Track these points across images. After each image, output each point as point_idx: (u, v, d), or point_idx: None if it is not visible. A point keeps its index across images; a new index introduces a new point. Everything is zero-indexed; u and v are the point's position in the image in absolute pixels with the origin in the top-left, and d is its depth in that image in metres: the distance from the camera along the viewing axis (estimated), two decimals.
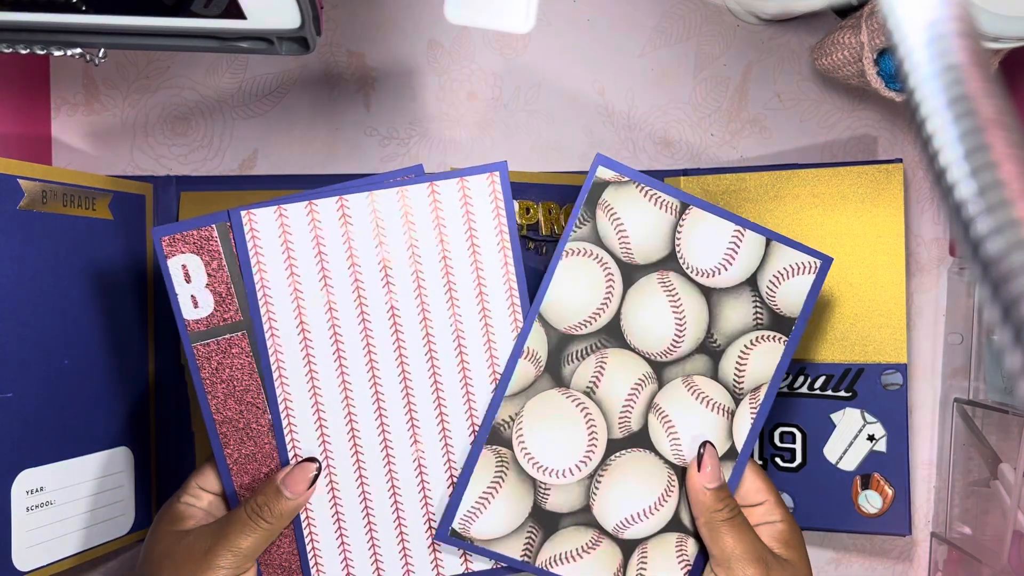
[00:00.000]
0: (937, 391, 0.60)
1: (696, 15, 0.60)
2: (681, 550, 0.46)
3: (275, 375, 0.44)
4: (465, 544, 0.45)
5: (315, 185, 0.57)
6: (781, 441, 0.56)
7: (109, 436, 0.52)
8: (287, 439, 0.44)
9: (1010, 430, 0.55)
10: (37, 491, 0.46)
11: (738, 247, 0.46)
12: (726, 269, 0.46)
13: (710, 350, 0.46)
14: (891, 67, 0.47)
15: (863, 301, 0.55)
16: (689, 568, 0.46)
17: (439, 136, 0.59)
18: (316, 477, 0.44)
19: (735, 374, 0.46)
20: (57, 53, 0.37)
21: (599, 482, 0.46)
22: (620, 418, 0.45)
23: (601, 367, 0.45)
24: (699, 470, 0.44)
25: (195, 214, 0.56)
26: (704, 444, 0.45)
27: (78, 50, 0.37)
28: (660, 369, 0.46)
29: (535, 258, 0.54)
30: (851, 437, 0.55)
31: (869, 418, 0.54)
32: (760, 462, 0.56)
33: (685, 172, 0.59)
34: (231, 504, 0.45)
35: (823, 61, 0.53)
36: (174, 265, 0.43)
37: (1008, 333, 0.15)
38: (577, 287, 0.45)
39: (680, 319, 0.45)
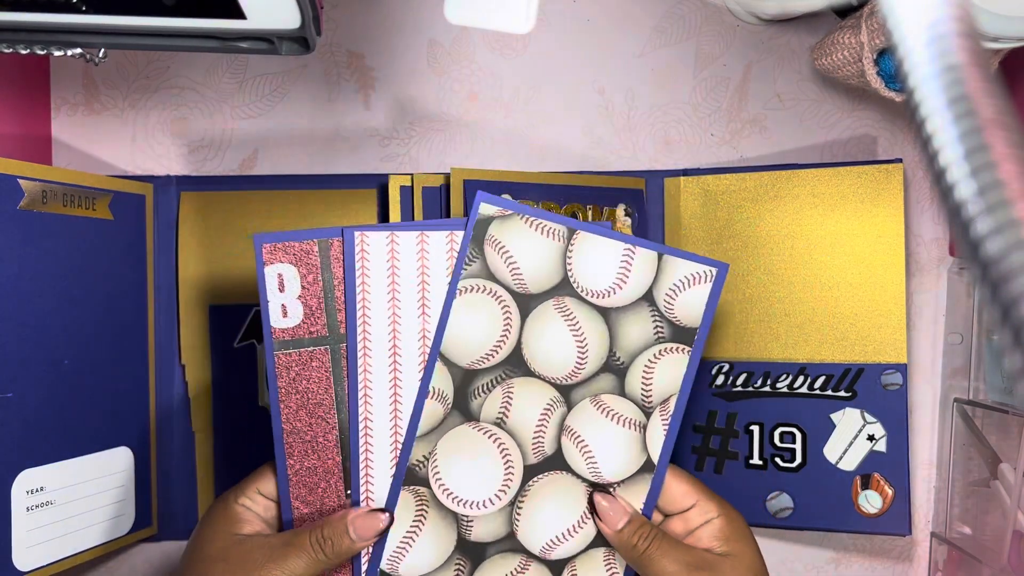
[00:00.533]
0: (937, 391, 0.60)
1: (696, 15, 0.60)
2: (609, 563, 0.46)
3: (360, 395, 0.44)
4: None
5: (315, 184, 0.57)
6: (781, 441, 0.56)
7: (109, 436, 0.52)
8: (361, 458, 0.44)
9: (1010, 430, 0.55)
10: (37, 491, 0.46)
11: (630, 265, 0.45)
12: (621, 288, 0.45)
13: (615, 368, 0.46)
14: (891, 67, 0.47)
15: (863, 301, 0.55)
16: None
17: (439, 136, 0.59)
18: (386, 530, 0.43)
19: (642, 389, 0.46)
20: (57, 53, 0.37)
21: (520, 508, 0.46)
22: (533, 444, 0.45)
23: (508, 397, 0.45)
24: (601, 519, 0.44)
25: (195, 214, 0.56)
26: (591, 494, 0.45)
27: (78, 50, 0.37)
28: (567, 392, 0.46)
29: None
30: (851, 437, 0.55)
31: (869, 418, 0.54)
32: (760, 462, 0.56)
33: (685, 172, 0.59)
34: (283, 512, 0.44)
35: (823, 61, 0.53)
36: (270, 273, 0.43)
37: (1008, 333, 0.15)
38: (475, 323, 0.45)
39: (581, 342, 0.45)
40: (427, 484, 0.45)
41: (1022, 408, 0.53)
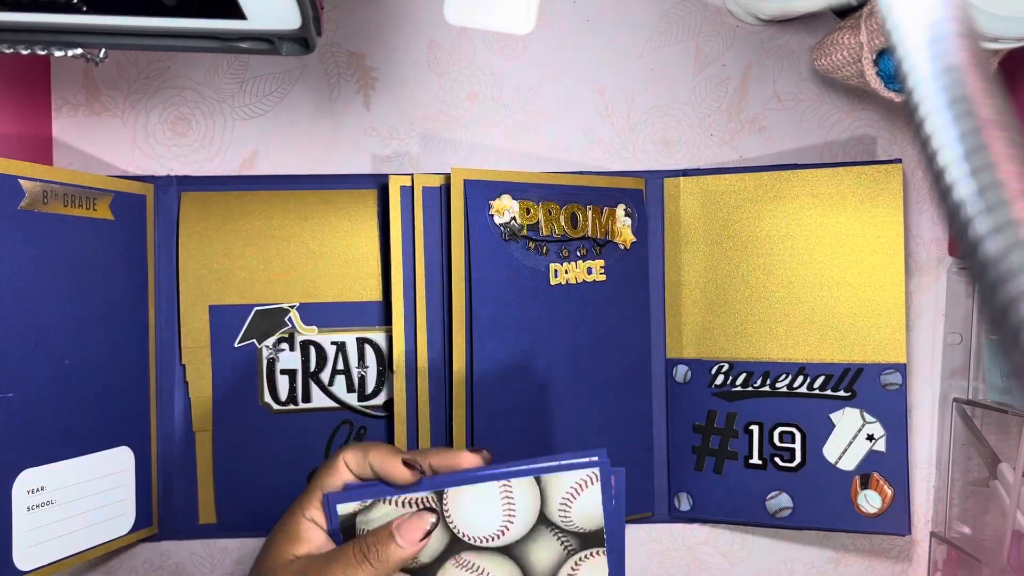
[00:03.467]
0: (936, 391, 0.60)
1: (696, 15, 0.60)
2: None
3: None
4: None
5: (315, 185, 0.57)
6: (780, 441, 0.56)
7: (109, 436, 0.52)
8: None
9: (1009, 430, 0.55)
10: (38, 491, 0.46)
11: (512, 499, 0.43)
12: (512, 524, 0.43)
13: None
14: (890, 67, 0.47)
15: (862, 301, 0.55)
16: None
17: (439, 136, 0.59)
18: (431, 530, 0.42)
19: None
20: (58, 53, 0.37)
21: None
22: None
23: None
24: None
25: (196, 215, 0.56)
26: None
27: (79, 50, 0.37)
28: None
29: (535, 258, 0.54)
30: (850, 437, 0.55)
31: (868, 418, 0.54)
32: (759, 462, 0.56)
33: (685, 172, 0.59)
34: (328, 519, 0.43)
35: (823, 61, 0.53)
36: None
37: (1008, 333, 0.15)
38: None
39: None
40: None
41: (1021, 408, 0.53)
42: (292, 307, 0.57)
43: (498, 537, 0.43)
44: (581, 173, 0.58)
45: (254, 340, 0.56)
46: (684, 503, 0.58)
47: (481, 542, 0.44)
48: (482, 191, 0.53)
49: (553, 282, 0.55)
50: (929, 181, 0.18)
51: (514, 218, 0.53)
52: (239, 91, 0.58)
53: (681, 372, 0.58)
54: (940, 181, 0.16)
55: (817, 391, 0.55)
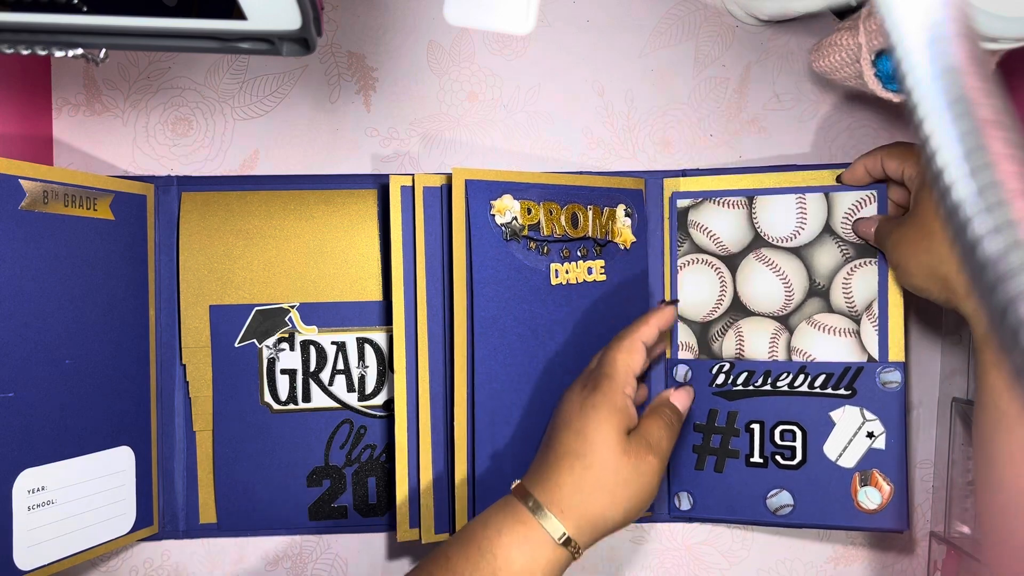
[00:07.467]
0: (936, 390, 0.60)
1: (696, 16, 0.60)
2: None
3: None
4: None
5: (315, 184, 0.57)
6: (781, 439, 0.56)
7: (110, 436, 0.52)
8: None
9: None
10: (38, 490, 0.46)
11: (805, 210, 0.55)
12: (803, 230, 0.55)
13: (819, 292, 0.55)
14: (889, 68, 0.47)
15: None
16: None
17: (439, 136, 0.59)
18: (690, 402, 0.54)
19: (846, 301, 0.55)
20: (59, 54, 0.37)
21: None
22: None
23: (740, 335, 0.56)
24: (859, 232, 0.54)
25: (196, 215, 0.56)
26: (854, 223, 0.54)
27: (79, 51, 0.37)
28: (785, 320, 0.56)
29: (536, 258, 0.54)
30: (850, 434, 0.55)
31: (868, 415, 0.55)
32: (760, 460, 0.56)
33: (684, 173, 0.59)
34: None
35: (821, 63, 0.53)
36: None
37: (1007, 333, 0.15)
38: (697, 288, 0.57)
39: (784, 279, 0.55)
40: None
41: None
42: (292, 307, 0.57)
43: (791, 239, 0.56)
44: (581, 173, 0.58)
45: (254, 340, 0.56)
46: (684, 502, 0.58)
47: (777, 242, 0.56)
48: (483, 191, 0.53)
49: (554, 282, 0.55)
50: (929, 181, 0.18)
51: (515, 218, 0.53)
52: (239, 91, 0.59)
53: (681, 372, 0.58)
54: (939, 181, 0.16)
55: (818, 390, 0.55)
